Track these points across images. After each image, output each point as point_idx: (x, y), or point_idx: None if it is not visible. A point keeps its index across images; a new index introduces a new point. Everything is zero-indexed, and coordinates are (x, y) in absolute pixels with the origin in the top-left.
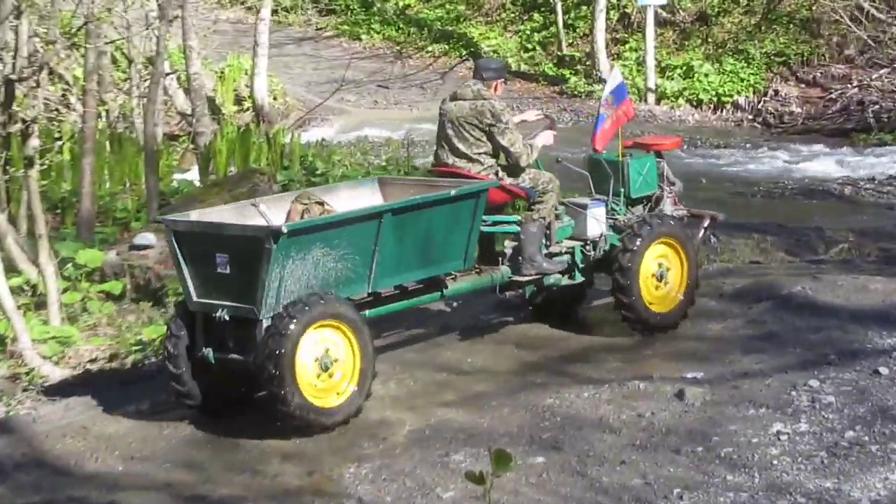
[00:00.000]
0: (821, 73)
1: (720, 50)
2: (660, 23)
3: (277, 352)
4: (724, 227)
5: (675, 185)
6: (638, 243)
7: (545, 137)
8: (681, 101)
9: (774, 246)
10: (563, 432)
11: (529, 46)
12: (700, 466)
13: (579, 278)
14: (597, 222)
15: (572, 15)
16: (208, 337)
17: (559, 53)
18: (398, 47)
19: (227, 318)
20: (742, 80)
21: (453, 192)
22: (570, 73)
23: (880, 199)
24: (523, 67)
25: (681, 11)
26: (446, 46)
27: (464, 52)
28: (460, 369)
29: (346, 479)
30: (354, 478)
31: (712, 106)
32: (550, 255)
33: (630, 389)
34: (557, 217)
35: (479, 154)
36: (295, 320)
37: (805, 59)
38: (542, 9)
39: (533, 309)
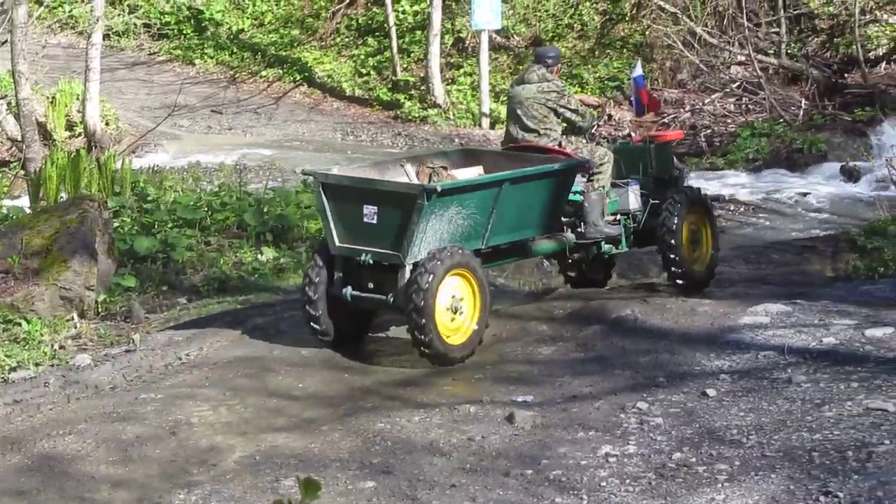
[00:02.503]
0: (654, 97)
1: None
2: (494, 47)
3: (424, 290)
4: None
5: (682, 169)
6: (679, 209)
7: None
8: None
9: None
10: (394, 456)
11: (364, 71)
12: (529, 489)
13: (625, 248)
14: (636, 197)
15: (407, 39)
16: (346, 278)
17: (394, 78)
18: (232, 72)
19: (371, 262)
20: None
21: (557, 167)
22: (405, 98)
23: None
24: (358, 92)
25: (515, 36)
26: (280, 71)
27: (298, 77)
28: (291, 395)
29: None
30: None
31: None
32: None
33: (461, 413)
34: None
35: (546, 129)
36: (439, 265)
37: None
38: (377, 33)
39: (570, 281)
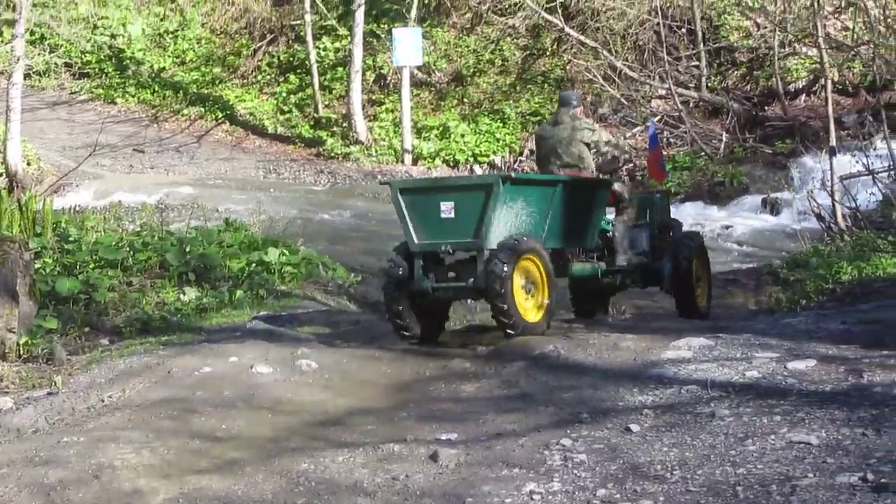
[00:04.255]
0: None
1: (476, 110)
2: (416, 84)
3: (503, 272)
4: None
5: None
6: (690, 252)
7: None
8: (437, 161)
9: None
10: (318, 497)
11: (286, 108)
12: None
13: (638, 284)
14: (647, 238)
15: (328, 76)
16: (426, 273)
17: (316, 115)
18: (153, 111)
19: (451, 251)
20: (498, 139)
21: (598, 179)
22: (328, 135)
23: None
24: (280, 130)
25: (437, 72)
26: (202, 109)
27: (220, 115)
28: (214, 436)
29: None
30: None
31: (469, 166)
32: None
33: (385, 452)
34: None
35: (585, 165)
36: (514, 250)
37: None
38: (298, 70)
39: (580, 312)
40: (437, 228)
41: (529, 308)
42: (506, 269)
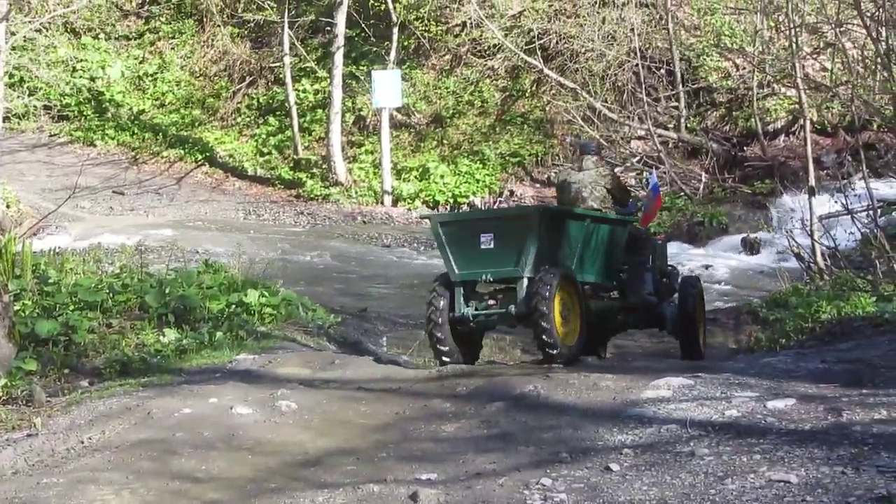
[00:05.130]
0: (555, 172)
1: (455, 151)
2: (395, 125)
3: (546, 299)
4: None
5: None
6: (695, 296)
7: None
8: (417, 202)
9: (512, 345)
10: None
11: (265, 150)
12: None
13: (641, 325)
14: (652, 283)
15: (308, 118)
16: (466, 300)
17: (295, 157)
18: (133, 153)
19: (491, 279)
20: (478, 180)
21: (622, 217)
22: (307, 177)
23: None
24: (259, 172)
25: (416, 114)
26: (182, 151)
27: (199, 157)
28: (195, 477)
29: None
30: None
31: (448, 207)
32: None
33: (364, 493)
34: None
35: (607, 208)
36: (554, 276)
37: (539, 159)
38: (278, 112)
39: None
40: (477, 258)
41: (567, 333)
42: (548, 294)
